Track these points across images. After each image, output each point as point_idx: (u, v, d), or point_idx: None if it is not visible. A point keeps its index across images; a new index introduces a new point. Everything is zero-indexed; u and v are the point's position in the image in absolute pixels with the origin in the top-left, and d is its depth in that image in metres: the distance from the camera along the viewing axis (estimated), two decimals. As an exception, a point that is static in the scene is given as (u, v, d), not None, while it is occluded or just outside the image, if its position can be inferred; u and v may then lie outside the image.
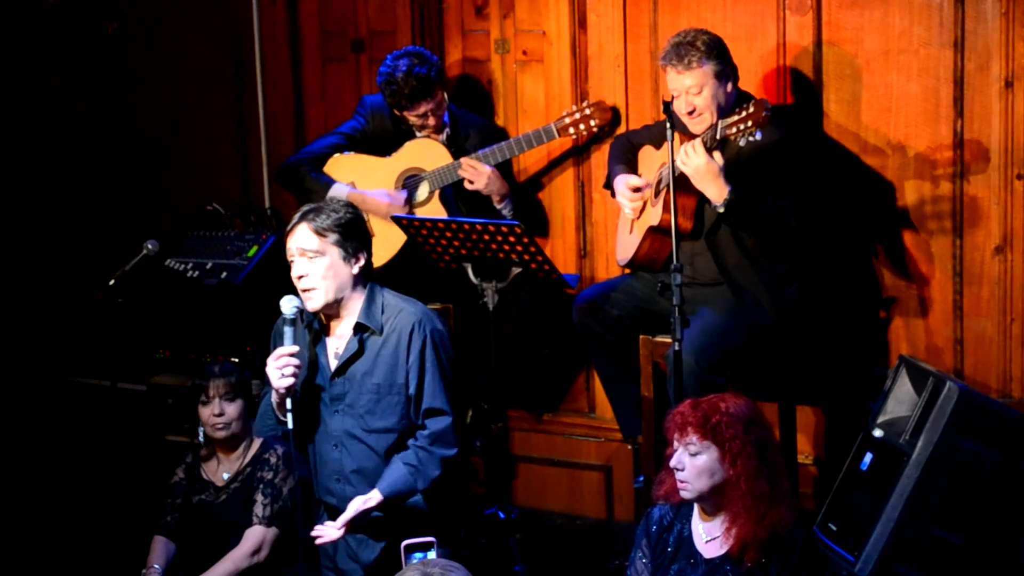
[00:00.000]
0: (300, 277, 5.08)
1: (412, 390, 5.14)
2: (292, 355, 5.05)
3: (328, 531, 5.11)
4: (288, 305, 5.08)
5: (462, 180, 6.42)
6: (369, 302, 5.16)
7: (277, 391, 5.09)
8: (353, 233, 5.10)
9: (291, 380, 5.05)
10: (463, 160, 6.38)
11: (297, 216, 5.11)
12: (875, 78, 6.02)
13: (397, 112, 6.52)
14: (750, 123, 5.42)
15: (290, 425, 5.11)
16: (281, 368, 5.05)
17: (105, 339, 6.15)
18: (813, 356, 6.03)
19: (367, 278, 5.18)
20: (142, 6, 7.59)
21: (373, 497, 5.08)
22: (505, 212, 6.45)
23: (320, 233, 5.05)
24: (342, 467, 5.23)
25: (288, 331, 5.08)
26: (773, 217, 5.60)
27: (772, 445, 4.68)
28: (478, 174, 6.37)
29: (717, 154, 5.55)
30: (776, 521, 4.57)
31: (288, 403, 5.07)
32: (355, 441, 5.19)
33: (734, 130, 5.46)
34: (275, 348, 5.27)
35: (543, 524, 6.58)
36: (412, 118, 6.49)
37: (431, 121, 6.49)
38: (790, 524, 4.60)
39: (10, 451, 7.26)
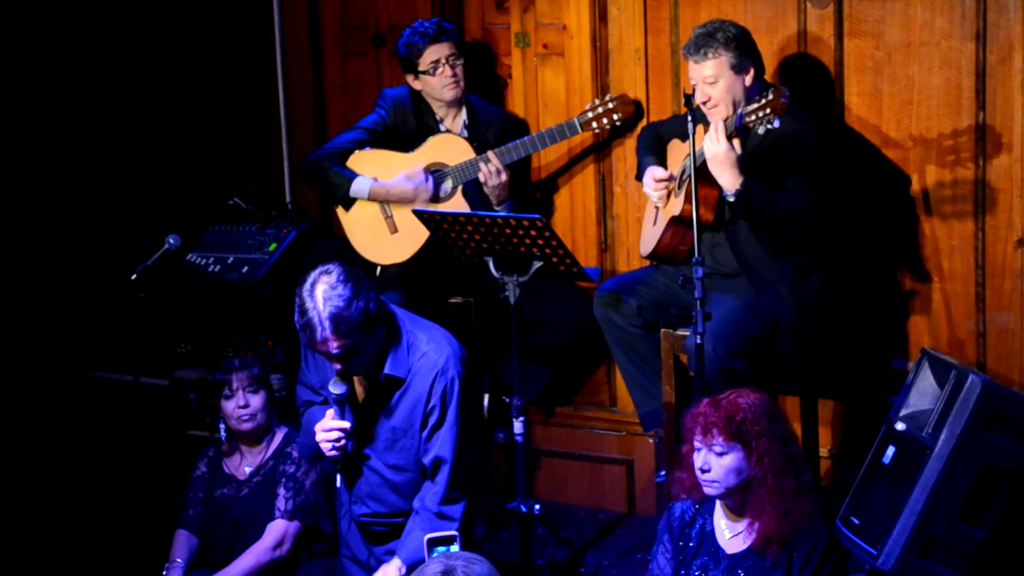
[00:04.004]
0: (346, 367, 5.05)
1: (425, 433, 5.15)
2: (343, 430, 5.09)
3: None
4: (337, 390, 5.08)
5: (485, 173, 6.43)
6: (396, 349, 5.13)
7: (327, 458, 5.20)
8: (369, 308, 4.99)
9: (340, 453, 5.12)
10: (490, 154, 6.37)
11: (318, 326, 4.92)
12: (896, 70, 6.00)
13: (413, 78, 6.51)
14: (768, 110, 5.44)
15: (338, 484, 5.21)
16: (333, 440, 5.09)
17: (127, 334, 6.16)
18: (833, 348, 6.01)
19: (390, 322, 5.15)
20: (163, 1, 7.60)
21: (397, 566, 5.12)
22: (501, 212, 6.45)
23: (348, 336, 4.95)
24: (360, 490, 5.26)
25: (337, 409, 5.11)
26: (780, 217, 5.60)
27: (793, 438, 4.68)
28: (496, 176, 6.36)
29: (736, 142, 5.56)
30: (801, 515, 4.56)
31: (338, 463, 5.17)
32: (372, 472, 5.22)
33: (753, 117, 5.48)
34: (305, 354, 5.32)
35: (565, 518, 6.58)
36: (427, 68, 6.46)
37: (447, 72, 6.46)
38: (814, 517, 4.60)
39: (33, 446, 7.28)
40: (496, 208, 6.43)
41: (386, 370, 5.11)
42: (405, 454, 5.18)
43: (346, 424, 5.09)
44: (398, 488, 5.23)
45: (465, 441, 5.15)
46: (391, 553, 5.26)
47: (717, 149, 5.54)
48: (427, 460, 5.15)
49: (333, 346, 4.96)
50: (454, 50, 6.48)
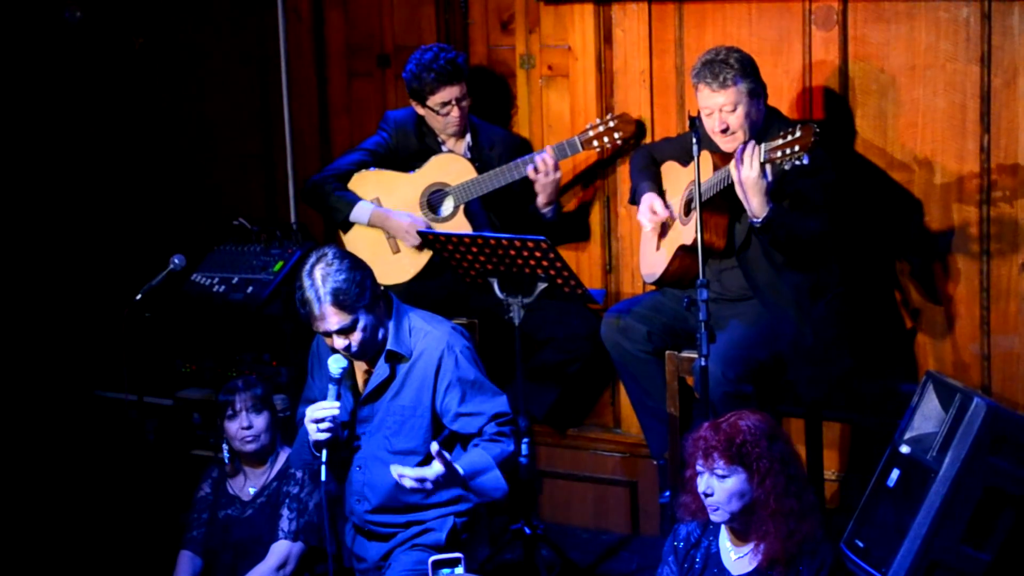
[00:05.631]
0: (347, 348, 5.09)
1: (456, 409, 5.16)
2: (332, 413, 5.08)
3: (406, 471, 4.98)
4: (336, 366, 5.10)
5: (490, 192, 6.42)
6: (397, 327, 5.17)
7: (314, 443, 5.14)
8: (366, 283, 5.09)
9: (327, 435, 5.10)
10: (547, 149, 6.36)
11: (314, 300, 5.02)
12: (901, 93, 6.01)
13: (420, 106, 6.52)
14: (797, 148, 5.35)
15: (323, 477, 5.14)
16: (317, 423, 5.08)
17: (131, 354, 6.16)
18: (840, 371, 6.01)
19: (387, 302, 5.20)
20: (169, 21, 7.62)
21: (454, 465, 4.98)
22: (547, 214, 6.43)
23: (347, 308, 5.03)
24: (362, 487, 5.25)
25: (332, 388, 5.12)
26: (804, 241, 5.59)
27: (795, 458, 4.67)
28: (554, 171, 6.35)
29: (769, 169, 5.52)
30: (805, 536, 4.56)
31: (323, 455, 5.11)
32: (377, 462, 5.22)
33: (779, 154, 5.39)
34: (311, 368, 5.32)
35: (569, 539, 6.57)
36: (435, 106, 6.47)
37: (455, 112, 6.48)
38: (818, 537, 4.59)
39: (36, 465, 7.28)
40: (543, 210, 6.42)
41: (389, 345, 5.15)
42: (414, 435, 5.18)
43: (334, 404, 5.08)
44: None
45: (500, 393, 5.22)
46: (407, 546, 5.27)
47: (750, 173, 5.48)
48: (479, 426, 5.18)
49: (333, 321, 5.02)
50: (464, 91, 6.48)
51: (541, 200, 6.43)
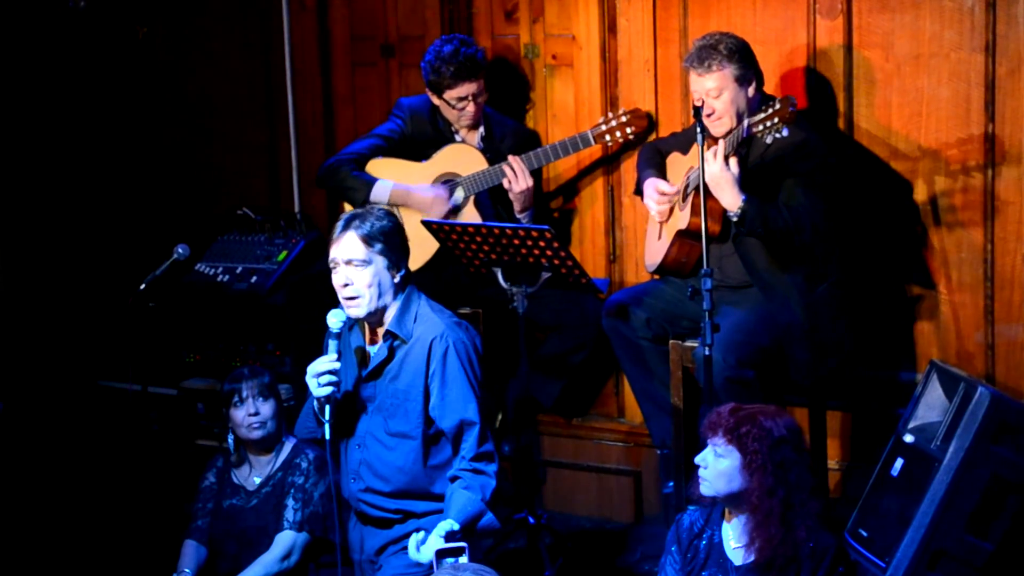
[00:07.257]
0: (345, 285, 5.09)
1: (435, 399, 5.15)
2: (332, 367, 5.08)
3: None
4: (335, 320, 5.10)
5: (499, 184, 6.42)
6: (403, 310, 5.17)
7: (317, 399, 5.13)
8: (397, 242, 5.12)
9: (329, 390, 5.09)
10: (512, 158, 6.37)
11: (341, 224, 5.09)
12: (905, 82, 6.00)
13: (436, 97, 6.51)
14: (776, 120, 5.46)
15: (327, 436, 5.13)
16: (318, 377, 5.08)
17: (135, 344, 6.17)
18: (843, 359, 6.01)
19: (406, 281, 5.21)
20: (173, 11, 7.62)
21: (448, 526, 4.95)
22: (523, 221, 6.45)
23: (368, 242, 5.05)
24: (358, 465, 5.26)
25: (332, 343, 5.11)
26: (787, 229, 5.62)
27: (798, 469, 4.62)
28: (521, 179, 6.36)
29: (733, 162, 5.57)
30: (793, 544, 4.54)
31: (327, 413, 5.10)
32: (375, 442, 5.22)
33: (760, 127, 5.50)
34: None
35: (572, 529, 6.58)
36: (452, 100, 6.46)
37: (470, 108, 6.48)
38: (812, 538, 4.57)
39: (41, 456, 7.29)
40: (519, 216, 6.43)
41: (388, 326, 5.15)
42: (408, 418, 5.17)
43: (334, 357, 5.07)
44: (398, 461, 5.19)
45: (481, 401, 5.17)
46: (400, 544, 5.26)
47: (713, 170, 5.55)
48: (448, 426, 5.13)
49: (348, 249, 5.04)
50: (482, 87, 6.47)
51: (516, 207, 6.44)
